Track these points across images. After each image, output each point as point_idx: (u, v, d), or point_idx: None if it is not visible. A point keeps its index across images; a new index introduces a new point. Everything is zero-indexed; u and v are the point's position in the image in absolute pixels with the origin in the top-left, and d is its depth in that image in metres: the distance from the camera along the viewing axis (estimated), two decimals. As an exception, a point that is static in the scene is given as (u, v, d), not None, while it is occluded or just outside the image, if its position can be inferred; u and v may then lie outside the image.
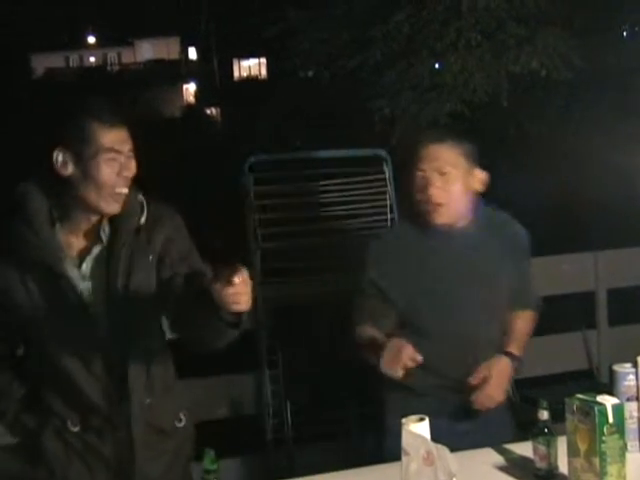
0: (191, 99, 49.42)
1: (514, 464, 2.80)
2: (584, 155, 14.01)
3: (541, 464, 2.67)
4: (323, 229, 5.07)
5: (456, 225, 3.23)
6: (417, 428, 2.31)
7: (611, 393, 2.63)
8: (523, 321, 3.34)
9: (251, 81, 45.84)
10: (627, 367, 2.80)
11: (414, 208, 3.26)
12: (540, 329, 4.95)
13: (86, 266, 2.79)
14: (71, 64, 56.60)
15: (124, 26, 54.88)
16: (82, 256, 2.80)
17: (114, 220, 2.80)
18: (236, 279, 2.38)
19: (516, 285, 3.31)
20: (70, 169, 2.70)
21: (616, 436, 2.40)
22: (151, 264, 2.80)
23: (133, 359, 2.82)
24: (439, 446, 2.16)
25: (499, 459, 2.85)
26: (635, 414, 2.77)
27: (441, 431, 3.11)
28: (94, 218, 2.78)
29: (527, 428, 2.78)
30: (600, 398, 2.44)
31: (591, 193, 13.09)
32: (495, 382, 3.14)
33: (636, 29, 13.11)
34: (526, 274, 3.38)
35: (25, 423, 2.89)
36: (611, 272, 5.43)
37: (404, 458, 2.27)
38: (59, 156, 2.70)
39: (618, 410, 2.41)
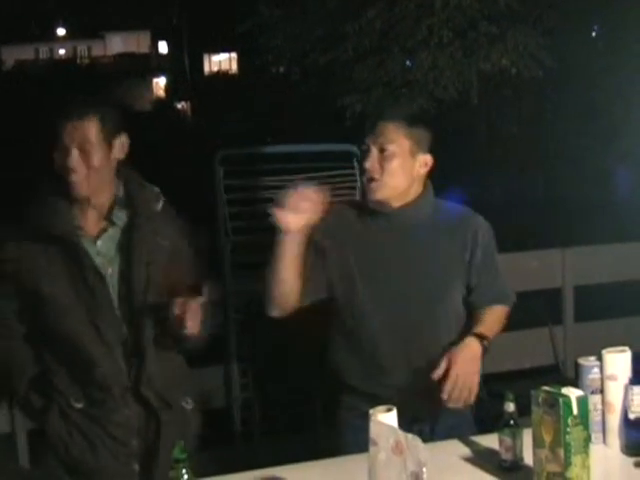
0: (161, 93, 49.22)
1: (480, 455, 2.82)
2: (555, 153, 14.12)
3: (507, 455, 2.70)
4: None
5: (398, 206, 3.19)
6: (385, 418, 2.33)
7: (576, 386, 2.66)
8: (492, 314, 3.26)
9: (222, 76, 45.73)
10: (592, 361, 2.84)
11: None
12: (507, 325, 5.01)
13: (101, 243, 2.98)
14: (41, 56, 56.21)
15: (95, 19, 54.57)
16: (98, 235, 2.98)
17: (131, 207, 3.01)
18: (177, 310, 2.83)
19: (482, 280, 3.26)
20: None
21: (580, 427, 2.43)
22: (162, 248, 3.01)
23: (143, 330, 2.97)
24: (409, 435, 2.16)
25: (465, 450, 2.88)
26: (599, 406, 2.82)
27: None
28: (101, 202, 2.97)
29: (494, 422, 2.81)
30: (565, 390, 2.47)
31: (561, 191, 13.19)
32: (462, 367, 3.02)
33: (604, 29, 13.21)
34: (492, 269, 3.31)
35: (33, 402, 3.03)
36: (578, 269, 5.47)
37: (372, 448, 2.28)
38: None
39: (582, 402, 2.44)
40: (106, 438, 2.98)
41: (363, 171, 3.19)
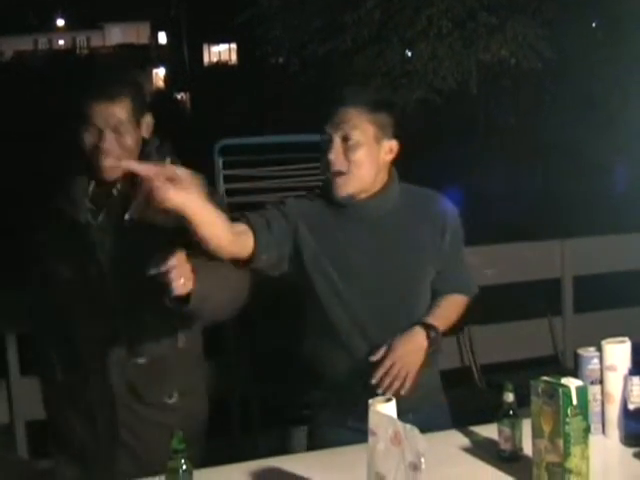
0: (161, 84, 49.19)
1: (479, 446, 2.81)
2: (553, 144, 14.09)
3: (506, 445, 2.68)
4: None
5: (365, 197, 3.02)
6: (384, 408, 2.32)
7: (576, 377, 2.65)
8: (448, 302, 3.15)
9: (221, 67, 45.70)
10: (591, 351, 2.82)
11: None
12: (506, 315, 5.01)
13: (102, 217, 2.88)
14: (40, 47, 56.17)
15: (94, 10, 54.52)
16: (100, 207, 2.89)
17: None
18: (166, 266, 2.48)
19: (446, 266, 3.14)
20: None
21: (580, 418, 2.41)
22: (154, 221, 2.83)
23: (134, 313, 2.87)
24: (407, 426, 2.15)
25: (464, 441, 2.86)
26: (598, 397, 2.80)
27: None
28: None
29: (493, 413, 2.80)
30: (565, 380, 2.45)
31: (559, 181, 13.17)
32: (401, 356, 2.90)
33: (603, 20, 13.19)
34: (458, 255, 3.19)
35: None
36: (577, 259, 5.46)
37: (371, 439, 2.27)
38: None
39: (582, 392, 2.43)
40: (102, 406, 2.94)
41: (327, 164, 2.97)
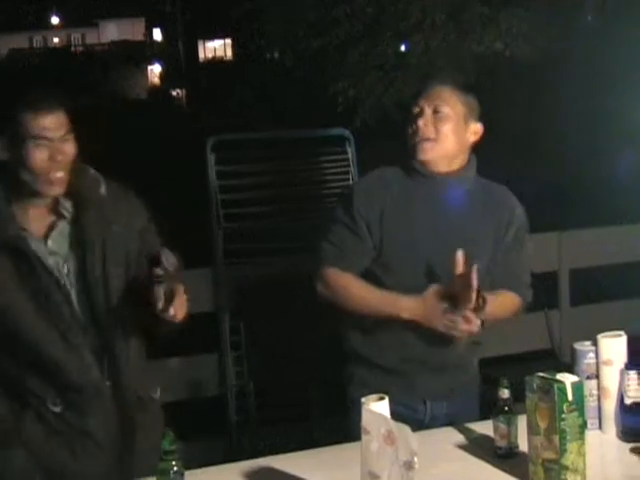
0: (156, 80, 49.17)
1: (475, 443, 2.79)
2: (551, 136, 14.07)
3: (501, 442, 2.66)
4: (285, 210, 5.06)
5: (444, 172, 3.14)
6: (377, 407, 2.29)
7: (572, 372, 2.63)
8: (501, 295, 3.17)
9: (216, 62, 45.69)
10: (587, 345, 2.80)
11: (406, 149, 3.19)
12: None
13: (52, 242, 2.78)
14: (35, 45, 56.11)
15: (88, 7, 54.48)
16: (47, 232, 2.79)
17: (75, 195, 2.80)
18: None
19: (504, 261, 3.19)
20: (7, 154, 2.72)
21: (576, 414, 2.39)
22: (117, 234, 2.82)
23: (110, 328, 2.83)
24: (400, 425, 2.14)
25: (460, 438, 2.84)
26: (595, 392, 2.78)
27: (417, 412, 3.12)
28: (47, 197, 2.78)
29: (488, 409, 2.78)
30: (560, 376, 2.43)
31: (556, 174, 13.15)
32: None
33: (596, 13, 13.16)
34: (518, 253, 3.24)
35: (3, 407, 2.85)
36: (574, 252, 5.44)
37: (364, 437, 2.25)
38: None
39: (578, 388, 2.40)
40: (85, 440, 2.85)
41: (414, 132, 3.12)
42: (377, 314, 3.08)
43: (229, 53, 47.23)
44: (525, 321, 5.34)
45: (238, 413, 5.00)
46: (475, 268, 2.88)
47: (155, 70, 50.35)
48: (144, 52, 51.30)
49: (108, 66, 44.30)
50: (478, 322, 2.97)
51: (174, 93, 44.41)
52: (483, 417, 3.01)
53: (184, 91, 43.56)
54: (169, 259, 2.64)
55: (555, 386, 2.39)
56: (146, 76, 49.42)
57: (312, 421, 4.83)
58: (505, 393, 2.66)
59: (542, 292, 5.46)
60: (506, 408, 2.66)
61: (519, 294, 3.26)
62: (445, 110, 3.11)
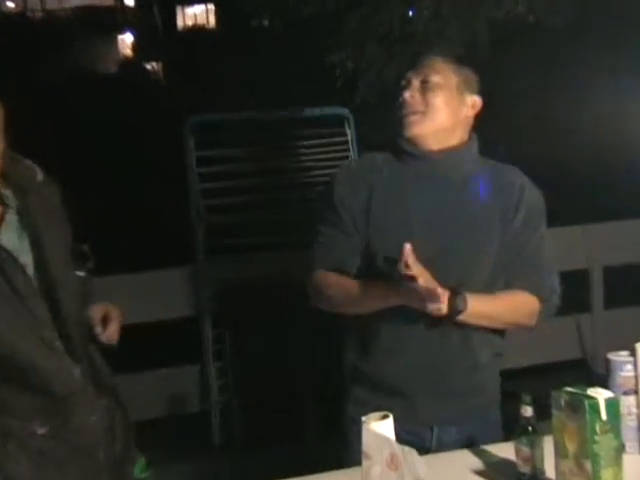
0: (128, 52, 49.13)
1: (494, 468, 2.78)
2: (569, 116, 14.04)
3: (525, 468, 2.65)
4: (276, 200, 5.05)
5: (437, 150, 3.09)
6: (380, 427, 2.28)
7: (606, 386, 2.61)
8: (508, 294, 3.11)
9: (197, 31, 45.66)
10: (624, 356, 2.78)
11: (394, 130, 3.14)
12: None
13: (5, 236, 2.83)
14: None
15: (49, -33, 54.43)
16: None
17: (13, 184, 2.88)
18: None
19: (516, 252, 3.12)
20: None
21: (610, 435, 2.38)
22: (59, 224, 2.93)
23: (76, 326, 2.88)
24: (406, 448, 2.12)
25: (477, 462, 2.83)
26: (634, 410, 2.75)
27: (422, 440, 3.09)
28: None
29: (509, 428, 2.77)
30: (591, 391, 2.42)
31: (575, 160, 13.14)
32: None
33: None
34: (532, 243, 3.15)
35: None
36: (605, 248, 5.43)
37: (365, 462, 2.24)
38: None
39: (612, 405, 2.39)
40: (74, 455, 2.91)
41: (400, 105, 3.09)
42: (368, 308, 3.04)
43: (212, 20, 47.21)
44: (552, 327, 5.35)
45: (222, 432, 5.00)
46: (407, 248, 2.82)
47: (126, 40, 50.29)
48: (114, 19, 51.24)
49: (72, 36, 44.23)
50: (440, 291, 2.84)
51: (148, 66, 44.37)
52: (504, 438, 3.00)
53: (160, 64, 43.52)
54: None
55: (586, 403, 2.38)
56: (116, 47, 49.35)
57: (305, 442, 4.83)
58: (528, 411, 2.65)
59: (571, 293, 5.48)
60: (529, 428, 2.64)
61: (536, 293, 3.16)
62: (435, 79, 3.07)
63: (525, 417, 2.64)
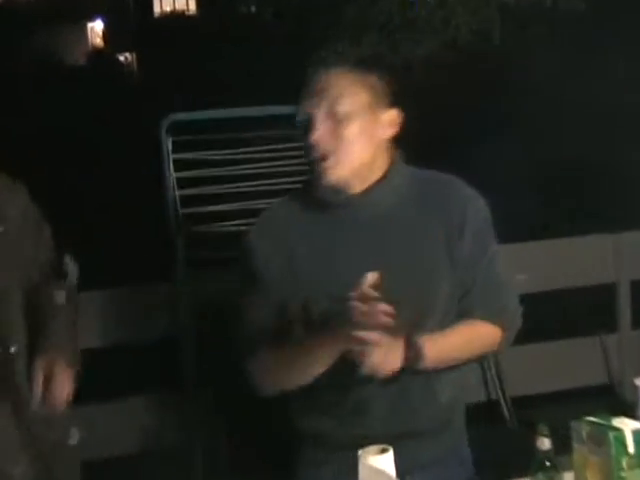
0: (98, 41, 49.18)
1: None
2: (594, 109, 14.07)
3: (542, 507, 2.66)
4: (264, 209, 5.05)
5: (358, 191, 3.00)
6: (378, 462, 2.29)
7: (634, 415, 2.62)
8: (466, 327, 3.08)
9: (176, 18, 45.70)
10: (654, 381, 2.79)
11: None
12: (543, 334, 4.98)
13: None
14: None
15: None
16: None
17: None
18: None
19: (467, 280, 3.07)
20: None
21: (638, 471, 2.38)
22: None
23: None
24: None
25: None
26: (665, 441, 2.77)
27: None
28: None
29: (525, 462, 2.77)
30: (617, 421, 2.43)
31: (600, 158, 13.16)
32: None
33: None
34: (483, 265, 3.10)
35: None
36: (636, 260, 5.43)
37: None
38: None
39: (640, 437, 2.40)
40: None
41: (308, 149, 2.96)
42: (312, 368, 2.97)
43: (192, 6, 47.25)
44: (572, 349, 5.36)
45: (206, 472, 5.00)
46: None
47: (97, 28, 50.36)
48: (82, 5, 51.29)
49: (35, 24, 44.27)
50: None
51: (121, 58, 44.42)
52: (519, 474, 3.00)
53: (134, 55, 43.58)
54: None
55: (610, 435, 2.39)
56: (85, 36, 49.40)
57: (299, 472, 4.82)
58: (545, 443, 2.65)
59: (595, 311, 5.48)
60: (547, 463, 2.64)
61: (498, 322, 3.14)
62: (343, 108, 2.92)
63: (542, 451, 2.64)
